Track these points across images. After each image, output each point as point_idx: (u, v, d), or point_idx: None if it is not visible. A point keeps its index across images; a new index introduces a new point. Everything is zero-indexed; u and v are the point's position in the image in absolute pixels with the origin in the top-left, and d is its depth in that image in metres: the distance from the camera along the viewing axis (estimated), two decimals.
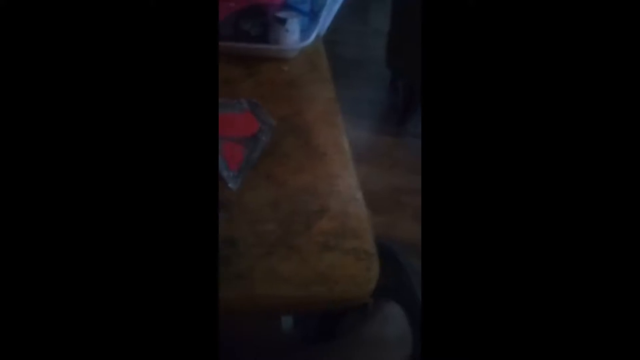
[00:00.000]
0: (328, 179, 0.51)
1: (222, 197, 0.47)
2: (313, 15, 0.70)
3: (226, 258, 0.42)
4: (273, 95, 0.61)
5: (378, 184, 1.52)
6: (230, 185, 0.49)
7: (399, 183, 1.56)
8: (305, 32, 0.67)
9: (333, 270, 0.42)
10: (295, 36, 0.66)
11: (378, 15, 2.08)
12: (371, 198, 0.50)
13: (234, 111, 0.56)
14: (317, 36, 0.69)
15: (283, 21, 0.64)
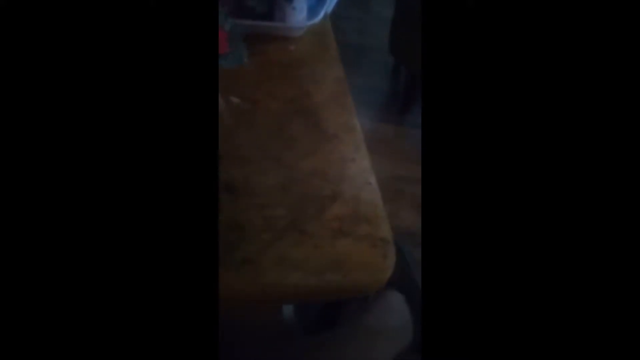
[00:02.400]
0: (339, 162, 0.48)
1: (228, 180, 0.44)
2: None
3: (233, 243, 0.40)
4: (279, 75, 0.59)
5: (379, 173, 1.50)
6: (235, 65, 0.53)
7: (400, 172, 1.54)
8: (312, 10, 0.64)
9: (347, 257, 0.40)
10: (302, 14, 0.63)
11: (380, 2, 2.05)
12: None
13: None
14: (325, 15, 0.66)
15: None
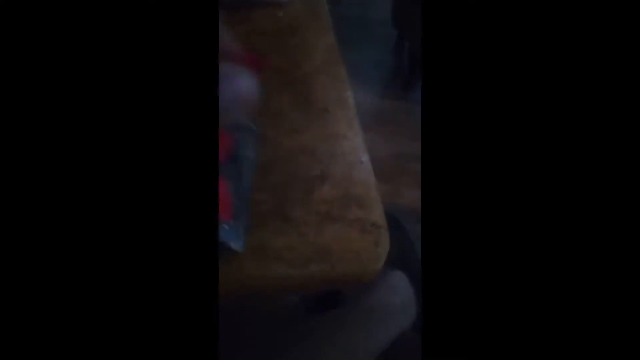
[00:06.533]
0: (330, 139, 0.44)
1: None
2: None
3: None
4: (265, 45, 0.54)
5: (382, 151, 1.46)
6: (233, 245, 0.33)
7: (404, 149, 1.50)
8: None
9: (336, 245, 0.36)
10: None
11: None
12: (374, 165, 0.44)
13: None
14: None
15: None
